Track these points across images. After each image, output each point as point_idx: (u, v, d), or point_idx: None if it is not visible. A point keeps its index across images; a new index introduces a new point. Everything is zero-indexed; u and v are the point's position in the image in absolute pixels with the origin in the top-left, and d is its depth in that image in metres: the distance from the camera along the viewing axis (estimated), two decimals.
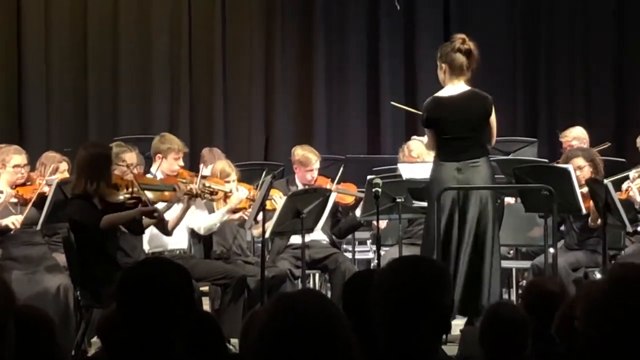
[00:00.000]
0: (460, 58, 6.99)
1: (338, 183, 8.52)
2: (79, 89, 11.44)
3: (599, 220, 7.33)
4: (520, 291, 8.36)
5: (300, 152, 8.53)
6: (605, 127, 11.42)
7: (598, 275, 7.55)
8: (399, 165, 8.20)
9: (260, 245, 7.64)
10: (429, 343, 2.82)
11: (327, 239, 8.45)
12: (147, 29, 11.61)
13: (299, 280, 7.84)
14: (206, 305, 7.50)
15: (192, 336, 3.01)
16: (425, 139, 7.27)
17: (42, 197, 7.17)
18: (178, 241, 7.56)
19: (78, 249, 6.67)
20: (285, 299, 2.31)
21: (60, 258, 7.20)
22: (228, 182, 7.74)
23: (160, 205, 7.01)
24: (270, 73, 11.80)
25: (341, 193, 8.46)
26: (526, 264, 8.37)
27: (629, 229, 7.29)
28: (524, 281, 8.42)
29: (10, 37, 11.30)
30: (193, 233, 7.77)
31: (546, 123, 11.94)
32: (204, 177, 7.55)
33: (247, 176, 8.32)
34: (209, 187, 7.46)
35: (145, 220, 6.83)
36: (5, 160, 7.22)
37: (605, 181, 7.15)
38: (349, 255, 8.77)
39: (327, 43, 11.87)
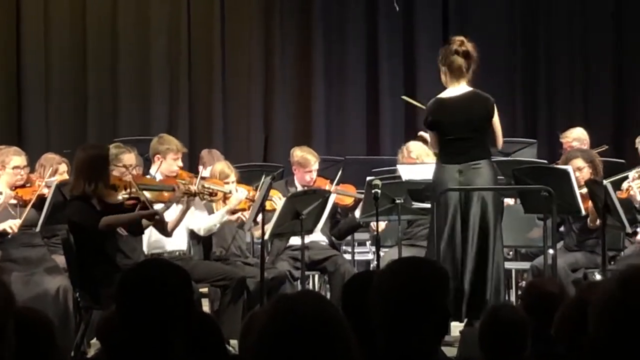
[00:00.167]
0: (459, 60, 7.02)
1: (337, 184, 8.52)
2: (78, 89, 11.44)
3: (598, 221, 7.34)
4: (519, 292, 8.36)
5: (299, 153, 8.52)
6: (604, 128, 11.42)
7: (597, 276, 7.54)
8: (399, 167, 8.20)
9: (259, 246, 7.63)
10: (429, 344, 2.82)
11: (327, 240, 8.45)
12: (146, 29, 11.61)
13: (299, 281, 7.84)
14: (205, 306, 7.50)
15: (192, 337, 3.00)
16: (428, 136, 7.31)
17: (41, 199, 7.17)
18: (177, 242, 7.56)
19: (77, 250, 6.67)
20: (284, 301, 2.31)
21: (60, 260, 7.19)
22: (227, 183, 7.74)
23: (159, 206, 7.01)
24: (270, 72, 11.80)
25: (340, 194, 8.46)
26: (525, 265, 8.38)
27: (629, 230, 7.29)
28: (524, 282, 8.42)
29: (10, 38, 11.30)
30: (192, 234, 7.77)
31: (545, 124, 11.94)
32: (203, 178, 7.54)
33: (246, 177, 8.31)
34: (208, 188, 7.46)
35: (144, 221, 6.82)
36: (4, 161, 7.22)
37: (605, 182, 7.16)
38: (348, 256, 8.77)
39: (326, 42, 11.87)
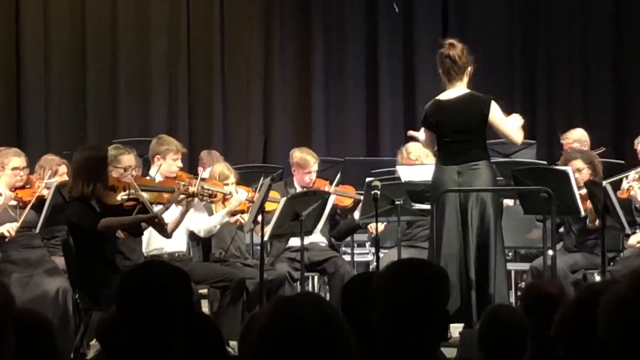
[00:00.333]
0: (447, 63, 7.05)
1: (337, 185, 8.51)
2: (77, 89, 11.44)
3: (597, 222, 7.33)
4: (519, 293, 8.35)
5: (298, 154, 8.52)
6: (604, 128, 11.42)
7: (597, 277, 7.55)
8: (398, 168, 8.19)
9: (259, 247, 7.63)
10: (428, 346, 2.82)
11: (326, 242, 8.44)
12: (146, 29, 11.61)
13: (298, 282, 7.84)
14: (205, 307, 7.50)
15: (192, 339, 3.00)
16: (421, 135, 7.28)
17: (41, 200, 7.17)
18: (177, 244, 7.55)
19: (76, 251, 6.66)
20: (284, 302, 2.31)
21: (59, 261, 7.19)
22: (227, 184, 7.74)
23: (158, 207, 7.00)
24: (269, 72, 11.80)
25: (340, 195, 8.45)
26: (525, 266, 8.38)
27: (628, 231, 7.29)
28: (523, 283, 8.42)
29: (9, 38, 11.30)
30: (192, 236, 7.77)
31: (545, 125, 11.92)
32: (202, 180, 7.54)
33: (246, 179, 8.31)
34: (208, 189, 7.45)
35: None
36: (4, 162, 7.22)
37: (604, 183, 7.15)
38: (347, 257, 8.77)
39: (326, 42, 11.87)
